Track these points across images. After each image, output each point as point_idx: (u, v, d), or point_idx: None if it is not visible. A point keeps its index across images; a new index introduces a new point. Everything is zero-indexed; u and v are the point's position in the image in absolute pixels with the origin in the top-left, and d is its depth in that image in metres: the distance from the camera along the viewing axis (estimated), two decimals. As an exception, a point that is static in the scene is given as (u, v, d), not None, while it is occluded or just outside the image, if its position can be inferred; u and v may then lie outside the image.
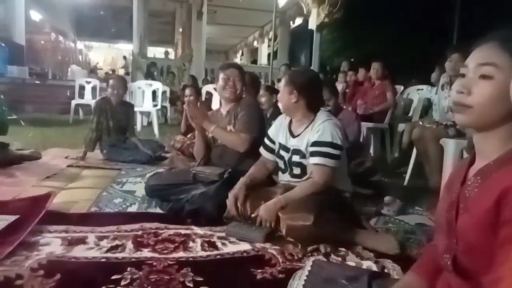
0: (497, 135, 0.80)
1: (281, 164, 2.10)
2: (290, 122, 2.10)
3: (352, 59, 9.09)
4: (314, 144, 1.91)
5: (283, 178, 2.12)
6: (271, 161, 2.16)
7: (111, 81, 3.94)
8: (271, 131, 2.17)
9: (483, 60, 0.80)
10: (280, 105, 2.09)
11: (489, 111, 0.79)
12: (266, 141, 2.17)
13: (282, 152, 2.08)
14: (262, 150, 2.18)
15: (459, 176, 0.89)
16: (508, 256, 0.69)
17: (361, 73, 5.46)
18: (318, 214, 1.73)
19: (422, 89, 4.45)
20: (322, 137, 1.89)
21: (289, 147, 2.04)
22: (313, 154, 1.90)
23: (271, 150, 2.15)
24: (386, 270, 1.57)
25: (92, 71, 15.67)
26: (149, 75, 9.06)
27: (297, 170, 2.03)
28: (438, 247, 0.93)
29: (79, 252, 1.64)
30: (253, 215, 1.94)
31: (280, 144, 2.10)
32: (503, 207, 0.72)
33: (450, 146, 2.36)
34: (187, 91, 3.98)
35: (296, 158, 2.00)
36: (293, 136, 2.04)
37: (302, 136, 1.99)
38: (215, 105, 4.30)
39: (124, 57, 17.75)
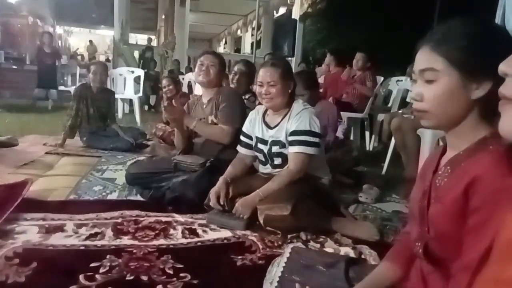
0: (464, 127, 0.82)
1: (260, 157, 2.10)
2: (264, 114, 2.09)
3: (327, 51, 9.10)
4: (293, 133, 1.91)
5: (264, 170, 2.12)
6: (249, 157, 2.16)
7: (92, 67, 3.85)
8: (245, 128, 2.16)
9: (423, 66, 0.82)
10: (272, 101, 1.95)
11: (444, 111, 0.81)
12: (242, 138, 2.15)
13: (260, 146, 2.07)
14: (239, 148, 2.17)
15: (431, 165, 0.91)
16: (475, 245, 0.71)
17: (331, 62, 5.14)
18: (295, 203, 1.74)
19: (402, 80, 4.51)
20: (301, 126, 1.90)
21: (267, 139, 2.03)
22: (292, 143, 1.91)
23: (248, 146, 2.14)
24: (363, 256, 1.61)
25: (72, 56, 15.27)
26: (142, 60, 8.87)
27: (278, 161, 2.03)
28: (411, 235, 0.95)
29: (57, 240, 1.62)
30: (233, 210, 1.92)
31: (257, 137, 2.09)
32: (471, 196, 0.74)
33: (427, 136, 2.41)
34: (165, 82, 3.88)
35: (275, 149, 2.00)
36: (270, 128, 2.03)
37: (280, 126, 1.99)
38: (197, 92, 4.26)
39: (91, 41, 17.42)
